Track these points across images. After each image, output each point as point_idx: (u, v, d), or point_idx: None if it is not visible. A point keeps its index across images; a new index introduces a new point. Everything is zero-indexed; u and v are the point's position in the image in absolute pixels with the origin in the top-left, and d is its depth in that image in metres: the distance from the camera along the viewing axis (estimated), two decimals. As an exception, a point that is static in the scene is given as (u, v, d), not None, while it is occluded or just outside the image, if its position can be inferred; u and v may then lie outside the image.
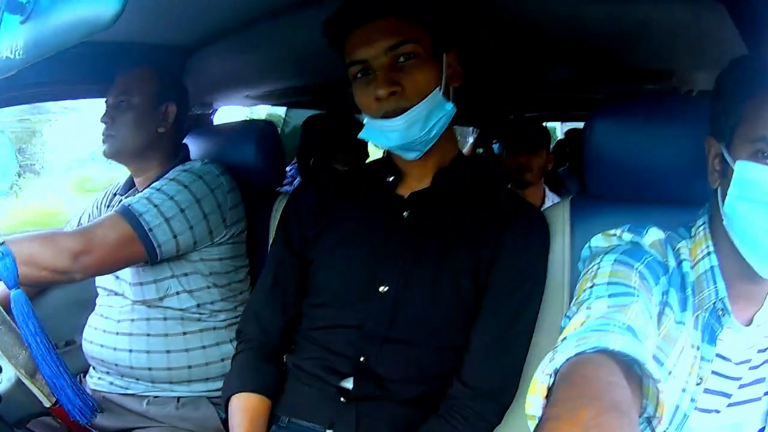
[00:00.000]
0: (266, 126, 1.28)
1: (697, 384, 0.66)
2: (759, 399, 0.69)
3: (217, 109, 1.66)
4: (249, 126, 1.33)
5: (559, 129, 3.96)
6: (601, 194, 0.89)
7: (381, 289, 0.79)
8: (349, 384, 0.79)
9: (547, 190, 1.80)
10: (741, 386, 0.68)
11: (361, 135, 0.82)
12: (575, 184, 2.29)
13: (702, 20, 1.07)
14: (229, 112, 1.80)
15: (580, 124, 2.84)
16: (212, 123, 1.66)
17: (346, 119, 1.74)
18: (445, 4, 0.82)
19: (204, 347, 1.06)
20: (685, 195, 0.82)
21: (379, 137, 0.80)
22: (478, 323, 0.79)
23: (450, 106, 0.78)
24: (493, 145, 2.54)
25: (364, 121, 0.83)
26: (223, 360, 1.06)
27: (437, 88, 0.77)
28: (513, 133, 1.76)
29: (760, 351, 0.69)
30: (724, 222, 0.65)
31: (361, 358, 0.78)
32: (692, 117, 0.81)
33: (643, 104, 0.88)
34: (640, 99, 0.92)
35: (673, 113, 0.85)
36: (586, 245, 0.75)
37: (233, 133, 1.30)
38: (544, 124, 2.13)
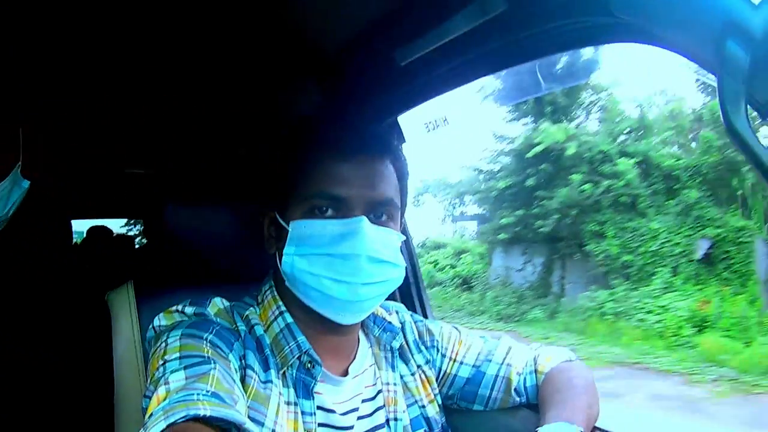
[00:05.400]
0: None
1: None
2: None
3: None
4: None
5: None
6: (171, 276, 0.90)
7: None
8: None
9: None
10: None
11: None
12: None
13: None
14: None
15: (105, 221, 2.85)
16: None
17: None
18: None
19: None
20: (249, 270, 0.84)
21: None
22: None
23: (27, 184, 0.78)
24: None
25: None
26: None
27: (18, 164, 0.76)
28: None
29: (366, 400, 0.71)
30: (287, 283, 0.68)
31: None
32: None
33: (206, 187, 0.89)
34: (206, 184, 0.93)
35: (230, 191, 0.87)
36: (150, 326, 0.73)
37: None
38: None
